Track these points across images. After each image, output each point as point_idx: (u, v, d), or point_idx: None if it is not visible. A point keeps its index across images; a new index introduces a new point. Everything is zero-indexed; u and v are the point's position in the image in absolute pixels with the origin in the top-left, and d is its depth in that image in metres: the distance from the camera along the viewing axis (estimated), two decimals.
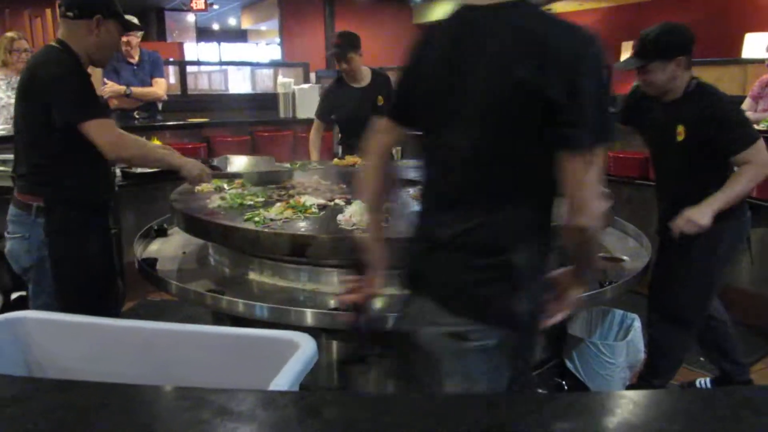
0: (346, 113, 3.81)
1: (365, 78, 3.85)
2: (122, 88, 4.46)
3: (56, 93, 1.98)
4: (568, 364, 2.37)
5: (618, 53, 11.63)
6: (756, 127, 3.69)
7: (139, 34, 4.63)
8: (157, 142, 4.41)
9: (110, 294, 2.25)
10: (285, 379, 0.77)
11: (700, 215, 2.20)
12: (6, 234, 2.14)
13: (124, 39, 4.44)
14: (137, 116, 4.65)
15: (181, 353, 0.95)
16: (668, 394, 1.75)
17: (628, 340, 2.38)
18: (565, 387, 2.39)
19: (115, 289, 2.33)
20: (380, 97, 3.95)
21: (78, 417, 0.51)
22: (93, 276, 2.13)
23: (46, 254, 2.06)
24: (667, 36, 2.28)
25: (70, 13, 2.04)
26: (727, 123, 2.27)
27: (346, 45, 3.65)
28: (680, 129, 2.32)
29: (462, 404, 0.53)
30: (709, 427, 0.60)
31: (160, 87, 4.69)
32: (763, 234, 3.57)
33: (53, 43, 2.07)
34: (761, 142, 2.27)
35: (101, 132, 2.00)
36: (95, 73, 5.33)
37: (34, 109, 2.02)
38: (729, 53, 9.02)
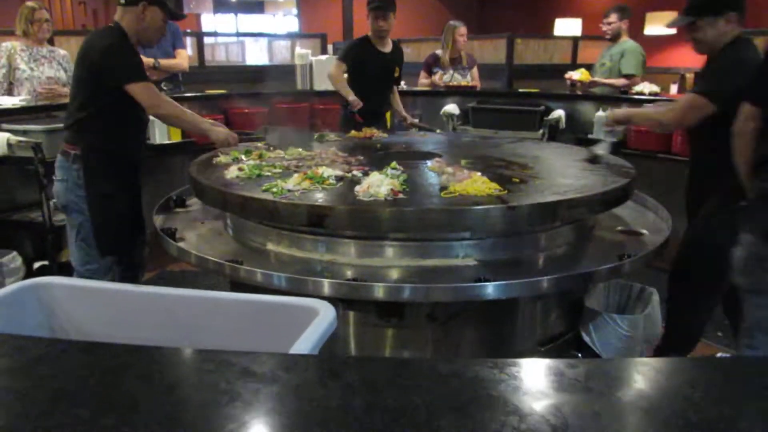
0: (369, 73, 3.80)
1: (389, 45, 3.85)
2: (150, 60, 4.49)
3: (108, 59, 2.43)
4: (585, 337, 2.37)
5: (642, 24, 11.33)
6: None
7: None
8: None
9: (137, 240, 2.70)
10: (305, 344, 0.77)
11: (619, 113, 2.40)
12: (53, 177, 2.64)
13: None
14: (164, 87, 4.67)
15: (203, 319, 0.97)
16: (691, 363, 1.74)
17: (646, 314, 2.36)
18: None
19: (142, 237, 2.77)
20: (397, 68, 3.94)
21: (103, 377, 0.52)
22: (121, 216, 2.60)
23: (82, 194, 2.52)
24: None
25: (121, 1, 2.53)
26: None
27: (390, 2, 3.73)
28: None
29: (478, 367, 0.54)
30: (731, 395, 0.59)
31: (183, 58, 4.73)
32: None
33: (108, 25, 2.57)
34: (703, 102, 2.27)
35: (144, 92, 2.47)
36: None
37: (86, 73, 2.47)
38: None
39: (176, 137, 4.39)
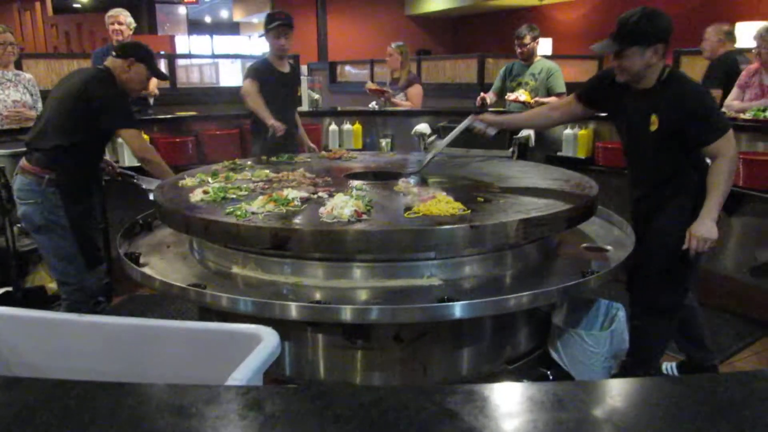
0: (276, 94, 3.63)
1: (287, 65, 3.81)
2: None
3: (109, 105, 2.73)
4: (553, 354, 2.38)
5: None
6: (743, 116, 3.71)
7: (132, 27, 4.62)
8: (144, 136, 4.40)
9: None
10: (244, 373, 0.76)
11: (708, 230, 2.23)
12: (17, 200, 2.77)
13: (115, 28, 4.46)
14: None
15: (146, 348, 0.95)
16: (650, 382, 1.76)
17: (612, 330, 2.38)
18: (550, 377, 2.40)
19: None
20: (297, 88, 3.95)
21: (19, 414, 0.51)
22: (97, 231, 2.99)
23: (62, 214, 2.70)
24: (647, 22, 2.23)
25: (113, 53, 2.89)
26: (698, 113, 2.25)
27: (291, 22, 3.65)
28: (653, 119, 2.30)
29: (404, 394, 0.53)
30: (691, 415, 0.60)
31: (152, 82, 4.69)
32: (746, 222, 3.59)
33: (101, 68, 2.86)
34: (731, 133, 2.26)
35: (136, 138, 2.85)
36: None
37: (81, 111, 2.69)
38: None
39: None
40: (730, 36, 4.41)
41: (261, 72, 3.65)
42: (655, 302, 2.45)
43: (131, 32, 4.61)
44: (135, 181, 3.11)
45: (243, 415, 0.49)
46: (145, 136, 3.59)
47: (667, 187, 2.36)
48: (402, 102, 5.16)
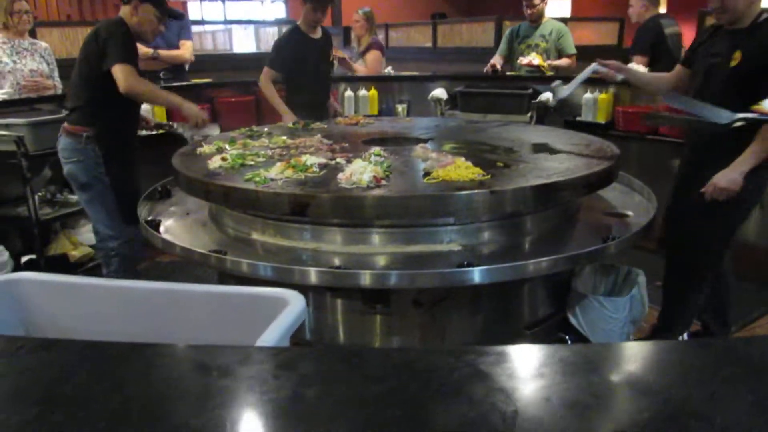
0: (309, 64, 3.71)
1: (319, 31, 3.79)
2: (149, 50, 4.48)
3: (109, 44, 2.68)
4: (572, 319, 2.38)
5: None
6: None
7: None
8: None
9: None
10: (272, 335, 0.77)
11: (729, 181, 2.18)
12: (62, 159, 2.85)
13: None
14: (162, 77, 4.66)
15: (174, 311, 0.96)
16: (681, 345, 1.76)
17: (632, 295, 2.37)
18: (569, 342, 2.41)
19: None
20: (330, 53, 3.91)
21: (56, 374, 0.52)
22: (137, 186, 2.89)
23: (102, 171, 2.80)
24: None
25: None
26: None
27: None
28: (737, 54, 2.30)
29: (435, 356, 0.54)
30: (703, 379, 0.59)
31: (187, 49, 4.72)
32: None
33: (114, 18, 2.85)
34: None
35: (123, 72, 2.67)
36: None
37: (93, 56, 2.70)
38: None
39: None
40: (654, 1, 4.46)
41: (291, 47, 3.66)
42: (692, 264, 2.44)
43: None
44: (172, 129, 3.13)
45: (276, 375, 0.50)
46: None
47: (727, 138, 2.28)
48: (359, 67, 5.01)
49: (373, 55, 5.05)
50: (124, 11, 2.82)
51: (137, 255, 3.04)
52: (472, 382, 0.51)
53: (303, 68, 3.65)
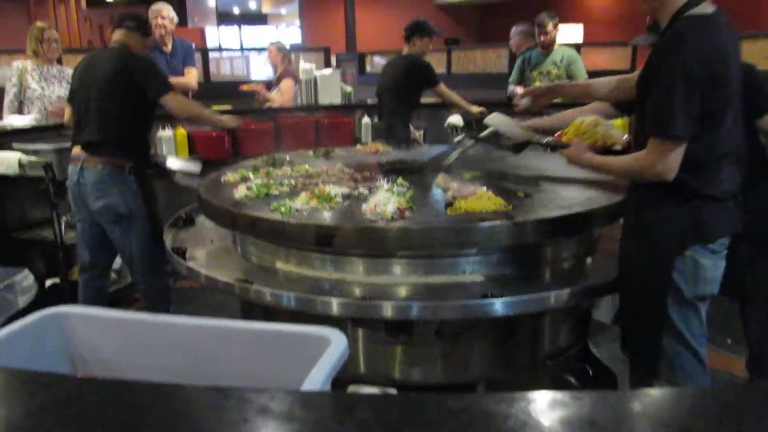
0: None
1: None
2: None
3: (150, 74, 2.83)
4: (594, 350, 2.38)
5: (644, 28, 11.36)
6: None
7: (174, 21, 4.71)
8: (181, 131, 4.50)
9: None
10: (318, 377, 0.79)
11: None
12: (95, 193, 2.80)
13: (159, 22, 4.56)
14: None
15: (217, 348, 0.99)
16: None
17: None
18: (591, 373, 2.41)
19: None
20: None
21: (125, 417, 0.55)
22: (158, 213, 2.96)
23: (140, 202, 2.85)
24: None
25: (120, 26, 2.93)
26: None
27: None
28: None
29: (488, 402, 0.56)
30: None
31: (192, 76, 4.82)
32: None
33: (119, 46, 2.91)
34: None
35: (175, 100, 2.89)
36: None
37: (130, 88, 2.78)
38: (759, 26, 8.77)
39: (183, 153, 4.44)
40: (530, 34, 5.00)
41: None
42: None
43: (174, 26, 4.70)
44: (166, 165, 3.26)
45: (339, 420, 0.52)
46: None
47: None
48: (275, 97, 5.11)
49: (286, 84, 5.16)
50: (137, 39, 2.92)
51: (170, 284, 3.08)
52: (525, 430, 0.53)
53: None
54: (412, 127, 4.45)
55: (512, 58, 7.90)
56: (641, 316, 1.94)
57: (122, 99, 2.80)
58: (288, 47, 5.53)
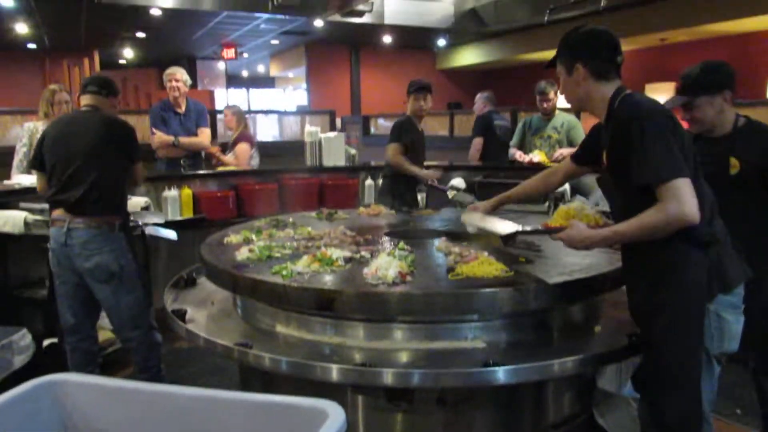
0: (417, 149, 4.17)
1: (421, 124, 4.23)
2: (170, 138, 4.73)
3: (132, 138, 3.00)
4: (598, 419, 2.32)
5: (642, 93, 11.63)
6: None
7: (188, 84, 4.86)
8: (187, 191, 4.56)
9: None
10: None
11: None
12: (85, 252, 2.80)
13: (173, 85, 4.71)
14: (183, 164, 4.86)
15: (213, 419, 0.97)
16: None
17: None
18: None
19: None
20: None
21: None
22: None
23: (131, 258, 2.91)
24: (710, 72, 2.35)
25: (96, 91, 3.02)
26: None
27: (428, 85, 4.13)
28: (733, 161, 2.34)
29: None
30: None
31: (206, 137, 4.96)
32: None
33: (93, 110, 2.99)
34: None
35: (141, 166, 3.07)
36: (143, 122, 5.72)
37: (117, 150, 2.92)
38: (754, 95, 8.98)
39: (188, 213, 4.48)
40: (491, 99, 5.90)
41: (407, 130, 4.15)
42: None
43: (187, 88, 4.86)
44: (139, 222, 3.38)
45: None
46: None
47: (761, 237, 2.28)
48: (229, 159, 5.20)
49: (241, 148, 5.25)
50: (104, 103, 3.01)
51: (158, 339, 3.05)
52: None
53: (412, 152, 4.14)
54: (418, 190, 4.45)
55: (515, 122, 8.06)
56: (678, 377, 1.83)
57: (109, 161, 2.88)
58: (243, 110, 5.64)
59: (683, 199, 1.69)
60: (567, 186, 4.41)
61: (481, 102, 5.94)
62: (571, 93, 2.03)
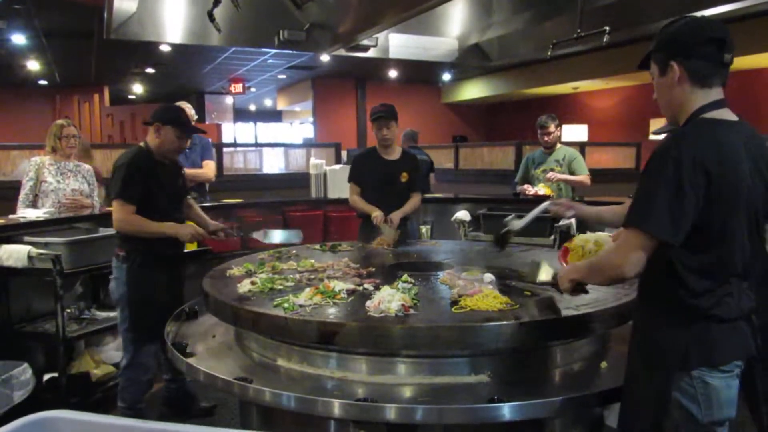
0: (373, 181, 3.82)
1: (396, 152, 3.89)
2: None
3: (113, 176, 2.93)
4: None
5: (647, 129, 11.71)
6: None
7: (194, 118, 4.91)
8: (190, 223, 4.56)
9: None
10: None
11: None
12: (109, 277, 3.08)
13: None
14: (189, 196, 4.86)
15: None
16: None
17: None
18: None
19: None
20: (405, 174, 3.94)
21: None
22: (159, 308, 2.83)
23: (125, 290, 2.96)
24: None
25: (145, 121, 3.10)
26: None
27: (391, 112, 3.77)
28: None
29: None
30: None
31: (210, 169, 4.97)
32: None
33: (141, 144, 3.06)
34: None
35: (117, 209, 2.89)
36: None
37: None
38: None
39: (192, 245, 4.47)
40: (412, 137, 6.23)
41: (362, 163, 3.92)
42: None
43: (193, 123, 4.91)
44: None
45: None
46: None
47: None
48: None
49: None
50: (149, 134, 3.05)
51: (139, 380, 3.08)
52: None
53: (368, 183, 3.83)
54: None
55: (518, 155, 8.10)
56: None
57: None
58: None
59: (629, 254, 1.58)
60: (573, 220, 4.40)
61: (403, 140, 6.12)
62: (663, 96, 1.71)
